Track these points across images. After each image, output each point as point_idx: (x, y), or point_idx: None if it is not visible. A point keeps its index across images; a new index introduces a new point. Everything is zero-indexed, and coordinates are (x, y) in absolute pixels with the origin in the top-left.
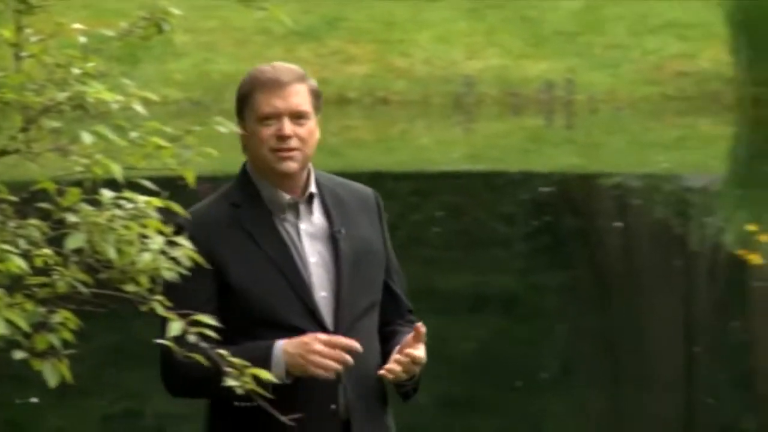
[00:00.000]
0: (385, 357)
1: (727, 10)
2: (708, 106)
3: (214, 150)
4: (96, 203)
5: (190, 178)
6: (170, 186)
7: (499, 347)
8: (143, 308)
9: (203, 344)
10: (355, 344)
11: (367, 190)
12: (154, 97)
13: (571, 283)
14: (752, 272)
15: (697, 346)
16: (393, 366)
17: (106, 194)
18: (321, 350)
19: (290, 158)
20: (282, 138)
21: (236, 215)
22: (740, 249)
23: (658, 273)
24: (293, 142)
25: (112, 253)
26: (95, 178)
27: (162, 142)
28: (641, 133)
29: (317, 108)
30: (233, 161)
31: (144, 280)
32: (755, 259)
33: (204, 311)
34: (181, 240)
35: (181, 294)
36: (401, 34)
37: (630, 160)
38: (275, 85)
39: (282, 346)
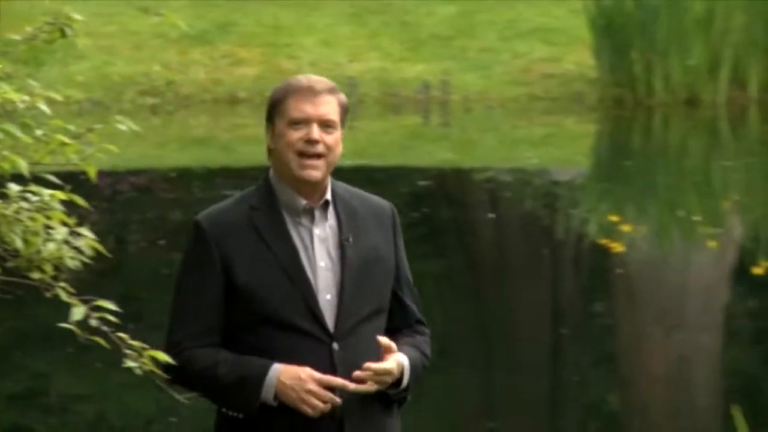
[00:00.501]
0: None
1: (590, 16)
2: (572, 105)
3: (114, 147)
4: (3, 196)
5: (92, 172)
6: (73, 180)
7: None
8: (48, 294)
9: (105, 328)
10: (347, 384)
11: (384, 204)
12: (57, 97)
13: (447, 271)
14: (614, 260)
15: (564, 329)
16: (359, 386)
17: (13, 188)
18: (314, 390)
19: (313, 167)
20: (310, 142)
21: (252, 217)
22: (603, 238)
23: (528, 261)
24: (320, 148)
25: (18, 243)
26: (2, 172)
27: (65, 139)
28: (511, 131)
29: (343, 121)
30: (132, 157)
31: (48, 268)
32: (617, 247)
33: (210, 308)
34: (83, 230)
35: (190, 291)
36: (288, 39)
37: (501, 156)
38: (308, 92)
39: (277, 374)
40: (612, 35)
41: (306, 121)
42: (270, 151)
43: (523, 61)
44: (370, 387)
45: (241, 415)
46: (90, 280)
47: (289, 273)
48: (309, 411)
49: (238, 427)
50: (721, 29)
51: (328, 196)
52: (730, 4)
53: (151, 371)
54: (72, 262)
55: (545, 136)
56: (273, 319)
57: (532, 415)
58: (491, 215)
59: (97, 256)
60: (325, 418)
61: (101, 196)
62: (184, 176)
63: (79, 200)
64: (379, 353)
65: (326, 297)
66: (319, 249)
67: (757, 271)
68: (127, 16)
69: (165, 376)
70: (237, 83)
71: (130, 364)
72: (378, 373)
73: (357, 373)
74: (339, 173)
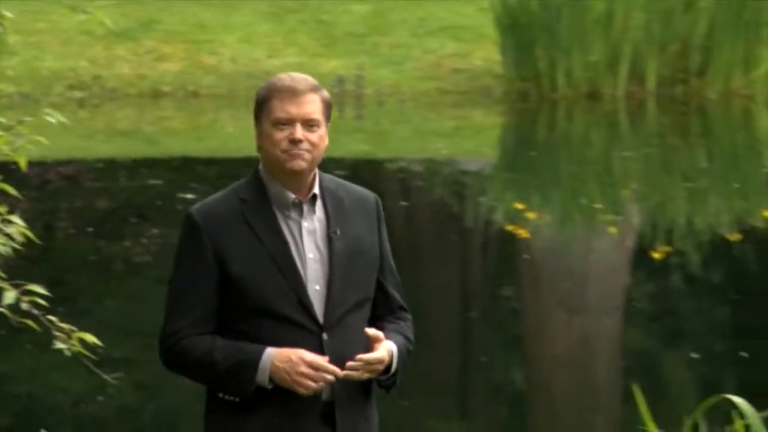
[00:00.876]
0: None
1: (497, 15)
2: (480, 99)
3: (43, 138)
4: None
5: (22, 163)
6: (4, 170)
7: None
8: None
9: (35, 311)
10: (336, 370)
11: (369, 195)
12: None
13: None
14: (520, 246)
15: (472, 312)
16: (350, 372)
17: None
18: (306, 372)
19: (299, 157)
20: (293, 141)
21: (243, 210)
22: (509, 225)
23: (438, 247)
24: (304, 146)
25: None
26: None
27: None
28: (422, 123)
29: (327, 117)
30: (61, 148)
31: None
32: (523, 233)
33: (205, 298)
34: (14, 218)
35: (183, 280)
36: (210, 36)
37: (413, 147)
38: (291, 93)
39: (270, 357)
40: (517, 33)
41: (290, 122)
42: (258, 148)
43: (433, 57)
44: (361, 375)
45: (237, 399)
46: (20, 266)
47: (279, 265)
48: (302, 391)
49: (233, 410)
50: (620, 27)
51: (316, 190)
52: (629, 4)
53: (80, 352)
54: (3, 248)
55: (454, 128)
56: (264, 310)
57: (441, 394)
58: (404, 203)
59: (27, 242)
60: (316, 403)
61: (31, 186)
62: (110, 166)
63: (10, 189)
64: (367, 342)
65: (315, 288)
66: (308, 241)
67: (655, 255)
68: (56, 14)
69: (93, 356)
70: (160, 78)
71: (59, 345)
72: (370, 362)
73: (350, 363)
74: (256, 163)
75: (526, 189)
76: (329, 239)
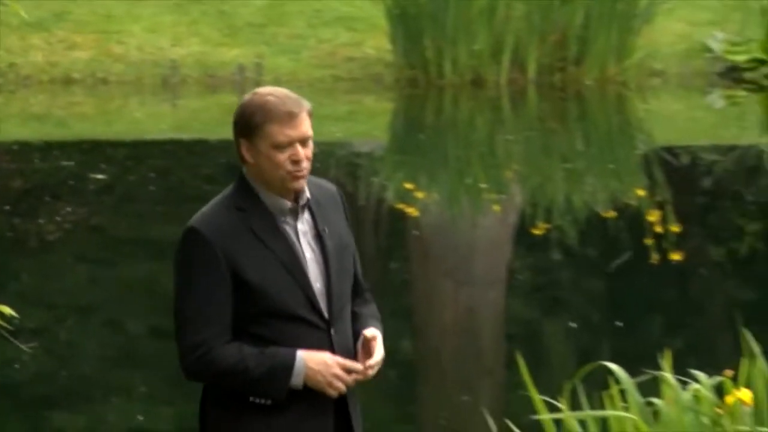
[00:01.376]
0: (354, 336)
1: (387, 7)
2: (372, 86)
3: None
4: None
5: None
6: None
7: None
8: None
9: None
10: (365, 370)
11: (332, 188)
12: None
13: None
14: (410, 223)
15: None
16: (371, 373)
17: None
18: (339, 374)
19: (302, 177)
20: (297, 162)
21: (243, 219)
22: (399, 203)
23: None
24: (305, 163)
25: None
26: None
27: None
28: (318, 108)
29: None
30: None
31: None
32: (412, 211)
33: (224, 306)
34: None
35: (202, 293)
36: (118, 26)
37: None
38: (288, 117)
39: (304, 360)
40: (406, 23)
41: (290, 144)
42: (244, 160)
43: (328, 46)
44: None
45: (269, 402)
46: None
47: (288, 267)
48: (333, 393)
49: (260, 413)
50: (503, 18)
51: (308, 194)
52: None
53: None
54: None
55: (348, 113)
56: (278, 312)
57: None
58: None
59: None
60: (335, 400)
61: None
62: (24, 149)
63: None
64: (354, 331)
65: (317, 286)
66: (304, 242)
67: (536, 231)
68: None
69: (9, 327)
70: (72, 65)
71: None
72: (379, 363)
73: (369, 363)
74: (161, 146)
75: (415, 170)
76: (320, 238)
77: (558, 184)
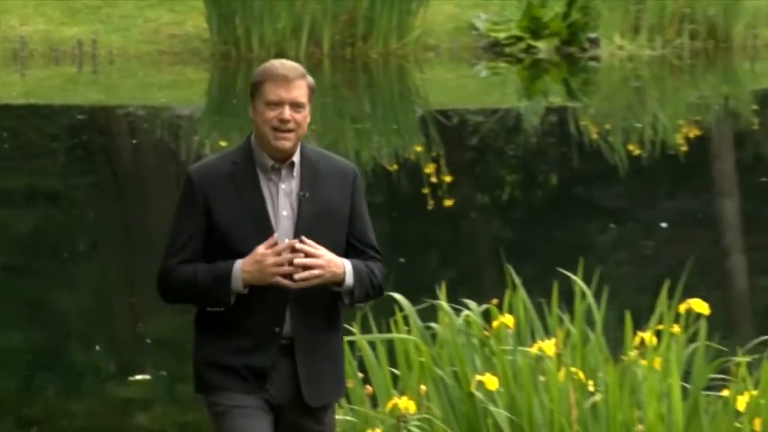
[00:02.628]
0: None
1: None
2: (191, 59)
3: None
4: None
5: None
6: None
7: (50, 230)
8: None
9: None
10: (294, 241)
11: (348, 166)
12: None
13: (98, 183)
14: None
15: None
16: (303, 274)
17: None
18: (274, 261)
19: (286, 138)
20: (282, 121)
21: (231, 171)
22: None
23: (160, 176)
24: (291, 125)
25: None
26: None
27: None
28: (145, 78)
29: (311, 100)
30: None
31: None
32: None
33: (194, 240)
34: None
35: (178, 226)
36: None
37: (138, 97)
38: (283, 79)
39: (240, 266)
40: (220, 6)
41: (280, 104)
42: (252, 120)
43: (153, 24)
44: (312, 274)
45: (222, 309)
46: None
47: (253, 218)
48: (280, 279)
49: (214, 335)
50: (301, 2)
51: (295, 158)
52: None
53: None
54: None
55: (171, 82)
56: (240, 254)
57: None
58: (133, 141)
59: None
60: (277, 336)
61: None
62: None
63: None
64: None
65: (285, 240)
66: (283, 201)
67: None
68: None
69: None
70: None
71: None
72: (315, 252)
73: (293, 242)
74: (13, 110)
75: (228, 129)
76: (299, 200)
77: (349, 142)
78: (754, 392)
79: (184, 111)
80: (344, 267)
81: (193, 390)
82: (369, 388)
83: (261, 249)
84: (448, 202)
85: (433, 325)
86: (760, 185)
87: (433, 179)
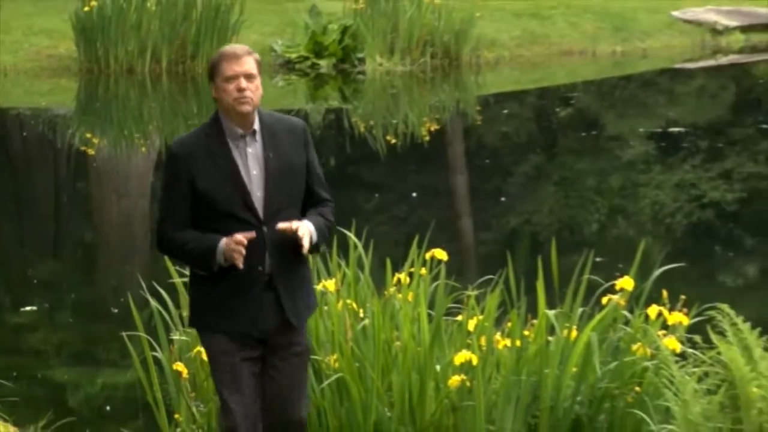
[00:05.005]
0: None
1: (73, 23)
2: (65, 73)
3: None
4: None
5: None
6: None
7: None
8: None
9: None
10: (249, 234)
11: (297, 123)
12: None
13: None
14: (90, 158)
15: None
16: (284, 227)
17: None
18: (234, 248)
19: (246, 103)
20: (240, 90)
21: (206, 142)
22: (83, 146)
23: (42, 159)
24: (247, 93)
25: None
26: None
27: None
28: (31, 87)
29: (260, 72)
30: None
31: None
32: (91, 152)
33: (181, 206)
34: None
35: (168, 195)
36: None
37: (26, 101)
38: (234, 57)
39: (221, 245)
40: (85, 33)
41: (235, 77)
42: (215, 99)
43: (36, 47)
44: (305, 238)
45: (208, 273)
46: None
47: (230, 179)
48: (238, 262)
49: (207, 280)
50: (146, 30)
51: (256, 126)
52: None
53: None
54: None
55: (49, 89)
56: (224, 213)
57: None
58: (23, 134)
59: None
60: (262, 275)
61: None
62: None
63: None
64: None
65: (257, 194)
66: (252, 162)
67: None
68: None
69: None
70: None
71: None
72: (292, 229)
73: (280, 226)
74: None
75: (92, 125)
76: (265, 160)
77: (183, 132)
78: (481, 317)
79: (60, 111)
80: (308, 229)
81: (188, 324)
82: None
83: (238, 237)
84: None
85: None
86: (483, 165)
87: None
